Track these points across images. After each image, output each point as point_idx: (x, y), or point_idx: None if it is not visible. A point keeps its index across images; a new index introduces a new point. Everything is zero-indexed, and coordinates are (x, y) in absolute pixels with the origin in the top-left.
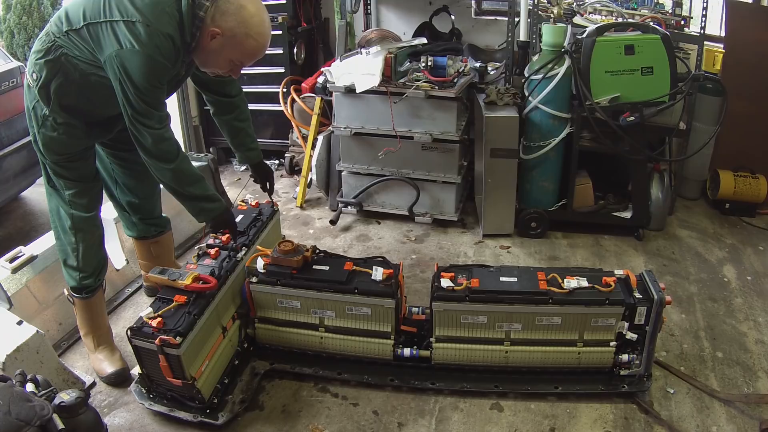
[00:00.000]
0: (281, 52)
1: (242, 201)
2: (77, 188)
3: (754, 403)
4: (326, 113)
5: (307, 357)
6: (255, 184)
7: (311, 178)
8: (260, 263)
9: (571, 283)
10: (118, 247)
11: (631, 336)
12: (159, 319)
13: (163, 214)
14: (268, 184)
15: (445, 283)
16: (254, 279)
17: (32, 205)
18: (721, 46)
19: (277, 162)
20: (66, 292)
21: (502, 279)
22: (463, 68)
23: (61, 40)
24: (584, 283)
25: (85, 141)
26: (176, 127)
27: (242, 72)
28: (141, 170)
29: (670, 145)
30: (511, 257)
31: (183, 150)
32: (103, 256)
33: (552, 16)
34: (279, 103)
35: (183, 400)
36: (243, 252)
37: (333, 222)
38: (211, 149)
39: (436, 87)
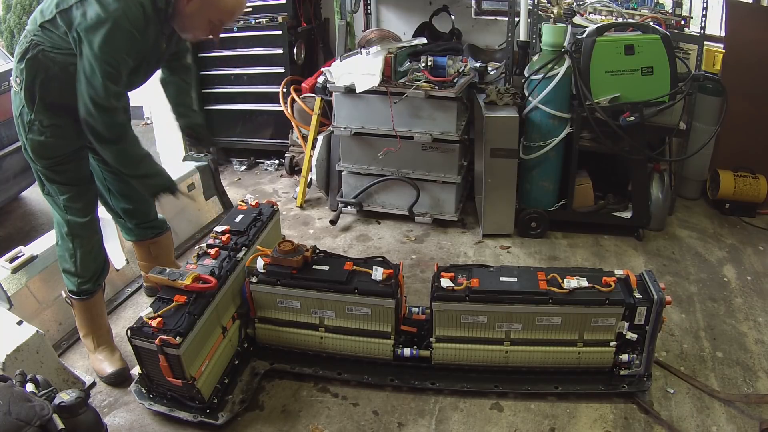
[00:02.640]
0: (281, 52)
1: (242, 201)
2: (71, 192)
3: (754, 403)
4: (326, 113)
5: (307, 357)
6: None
7: (311, 178)
8: (260, 263)
9: (571, 283)
10: (118, 247)
11: (631, 336)
12: (159, 319)
13: (159, 216)
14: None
15: (445, 283)
16: (254, 279)
17: (32, 205)
18: (721, 46)
19: (277, 162)
20: (64, 295)
21: (502, 279)
22: (463, 68)
23: (38, 36)
24: (584, 283)
25: (74, 141)
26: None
27: (242, 72)
28: None
29: (670, 145)
30: (511, 257)
31: (132, 131)
32: (102, 260)
33: (552, 16)
34: (279, 103)
35: (183, 400)
36: (243, 252)
37: (333, 222)
38: (211, 149)
39: (436, 87)
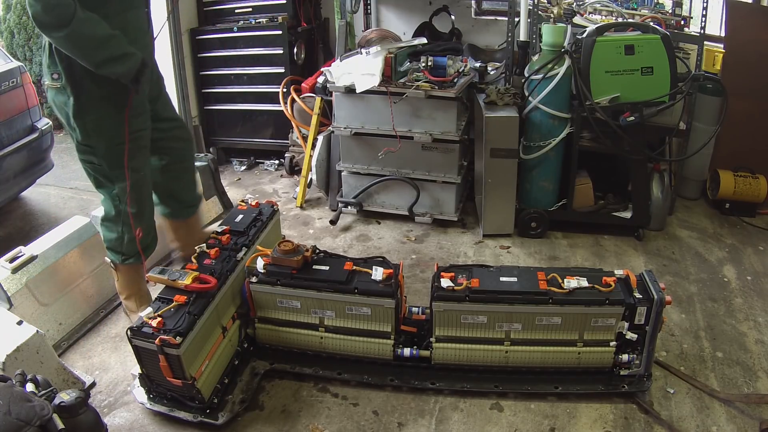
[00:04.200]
0: (281, 52)
1: (242, 201)
2: (130, 178)
3: (754, 403)
4: (326, 113)
5: (307, 357)
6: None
7: (311, 178)
8: (260, 263)
9: (571, 283)
10: None
11: (631, 336)
12: (159, 319)
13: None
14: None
15: (445, 283)
16: (254, 279)
17: (32, 205)
18: (721, 46)
19: (277, 162)
20: (108, 260)
21: (502, 279)
22: (463, 68)
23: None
24: (584, 283)
25: (123, 101)
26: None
27: (242, 72)
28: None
29: (670, 145)
30: (511, 257)
31: (88, 14)
32: (149, 241)
33: (552, 16)
34: (279, 103)
35: (183, 400)
36: (243, 252)
37: (333, 222)
38: (211, 149)
39: (436, 87)
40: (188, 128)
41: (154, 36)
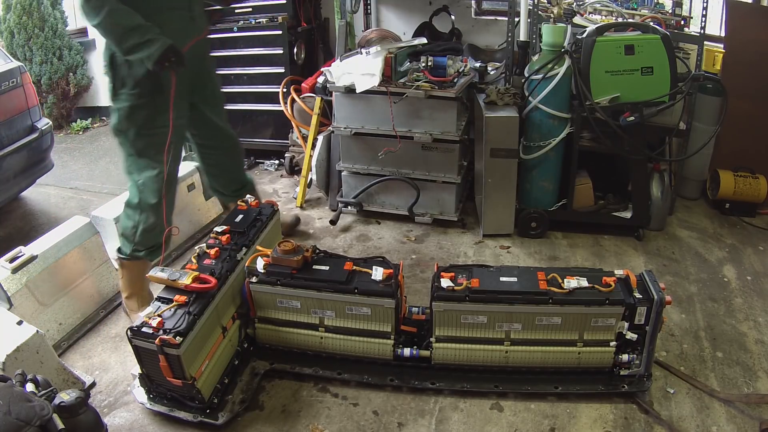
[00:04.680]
0: (281, 52)
1: (242, 201)
2: (156, 170)
3: (754, 403)
4: (326, 113)
5: (307, 357)
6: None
7: (311, 178)
8: (260, 263)
9: (571, 283)
10: None
11: (631, 336)
12: (159, 319)
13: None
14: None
15: (445, 283)
16: (254, 279)
17: (32, 205)
18: (721, 46)
19: (277, 162)
20: (115, 256)
21: (502, 279)
22: (463, 68)
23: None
24: (584, 283)
25: (156, 93)
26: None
27: (242, 72)
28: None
29: (670, 145)
30: (511, 257)
31: (119, 5)
32: (161, 241)
33: (552, 16)
34: (279, 103)
35: (183, 400)
36: (243, 252)
37: (333, 222)
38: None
39: (436, 87)
40: (230, 136)
41: (200, 37)
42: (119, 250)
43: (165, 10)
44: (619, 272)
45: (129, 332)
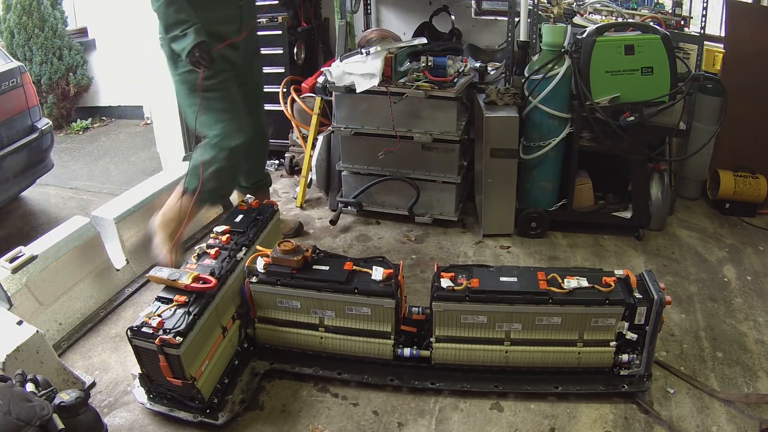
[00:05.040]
0: (281, 52)
1: (242, 201)
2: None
3: (754, 403)
4: (326, 113)
5: (307, 357)
6: None
7: (311, 178)
8: (260, 263)
9: (571, 283)
10: (118, 247)
11: (631, 336)
12: (159, 319)
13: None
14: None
15: (445, 283)
16: (254, 279)
17: (32, 205)
18: (721, 46)
19: (277, 162)
20: (182, 189)
21: (502, 279)
22: (463, 68)
23: None
24: (584, 283)
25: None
26: (176, 127)
27: None
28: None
29: (670, 145)
30: (511, 257)
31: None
32: (228, 189)
33: (552, 16)
34: (279, 103)
35: (183, 400)
36: (243, 252)
37: (333, 222)
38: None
39: (436, 87)
40: (262, 129)
41: (249, 27)
42: (188, 186)
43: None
44: (619, 272)
45: (129, 332)
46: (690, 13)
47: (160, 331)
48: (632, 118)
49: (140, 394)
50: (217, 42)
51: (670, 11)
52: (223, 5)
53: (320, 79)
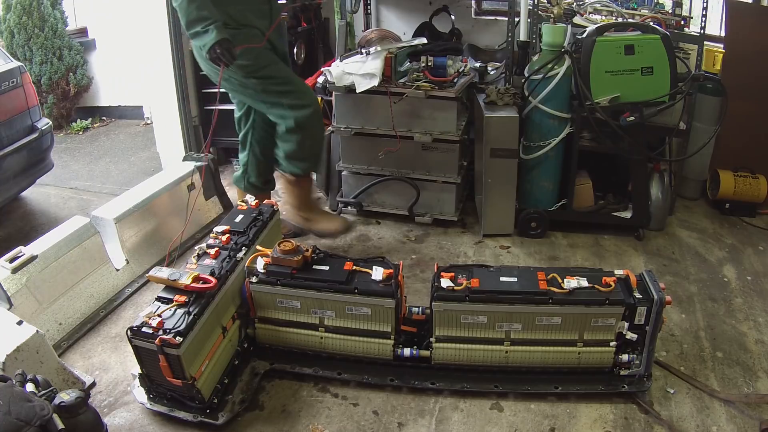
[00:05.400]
0: None
1: (242, 201)
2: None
3: (754, 403)
4: (326, 113)
5: (307, 357)
6: None
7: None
8: (260, 263)
9: (571, 283)
10: (118, 247)
11: (631, 336)
12: (159, 319)
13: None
14: None
15: (445, 283)
16: (254, 279)
17: (32, 205)
18: (721, 46)
19: None
20: (287, 176)
21: (502, 279)
22: (463, 68)
23: None
24: (584, 283)
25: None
26: (176, 127)
27: None
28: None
29: (670, 145)
30: (511, 257)
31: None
32: (320, 149)
33: (552, 16)
34: None
35: (183, 400)
36: (243, 252)
37: None
38: (211, 149)
39: (436, 87)
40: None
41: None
42: (292, 173)
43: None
44: (619, 272)
45: (129, 332)
46: (690, 13)
47: (160, 331)
48: (632, 118)
49: (140, 394)
50: (250, 37)
51: (670, 11)
52: (253, 0)
53: (320, 79)
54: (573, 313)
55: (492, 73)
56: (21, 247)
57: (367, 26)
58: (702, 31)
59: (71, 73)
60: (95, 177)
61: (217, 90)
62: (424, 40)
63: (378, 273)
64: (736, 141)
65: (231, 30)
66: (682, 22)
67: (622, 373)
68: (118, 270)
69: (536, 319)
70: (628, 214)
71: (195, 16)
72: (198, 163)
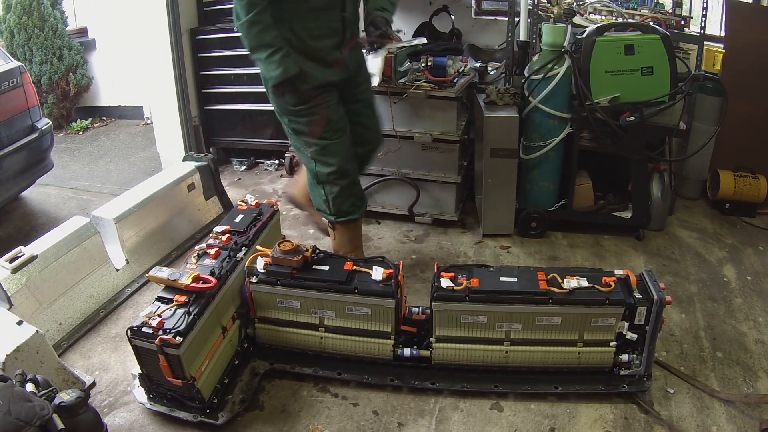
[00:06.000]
0: None
1: (242, 201)
2: (316, 146)
3: (754, 403)
4: None
5: (307, 357)
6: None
7: None
8: (260, 263)
9: (571, 283)
10: (118, 247)
11: (631, 336)
12: (159, 319)
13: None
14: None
15: (445, 283)
16: (254, 279)
17: (32, 205)
18: (721, 46)
19: (277, 162)
20: (326, 221)
21: (502, 279)
22: (463, 68)
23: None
24: (584, 283)
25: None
26: (176, 127)
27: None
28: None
29: (670, 145)
30: (511, 257)
31: (266, 22)
32: (354, 200)
33: (552, 16)
34: None
35: (183, 400)
36: (243, 252)
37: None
38: (211, 149)
39: (436, 87)
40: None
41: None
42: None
43: (314, 11)
44: (619, 272)
45: (129, 332)
46: (690, 13)
47: (160, 331)
48: (632, 118)
49: (140, 394)
50: (310, 61)
51: (670, 11)
52: (324, 17)
53: None
54: (573, 313)
55: (492, 73)
56: (21, 247)
57: None
58: (702, 31)
59: (71, 73)
60: (95, 177)
61: (217, 90)
62: (424, 40)
63: (378, 273)
64: (736, 141)
65: (297, 54)
66: (682, 22)
67: (622, 373)
68: (118, 270)
69: (536, 319)
70: (628, 214)
71: (257, 41)
72: (198, 163)
